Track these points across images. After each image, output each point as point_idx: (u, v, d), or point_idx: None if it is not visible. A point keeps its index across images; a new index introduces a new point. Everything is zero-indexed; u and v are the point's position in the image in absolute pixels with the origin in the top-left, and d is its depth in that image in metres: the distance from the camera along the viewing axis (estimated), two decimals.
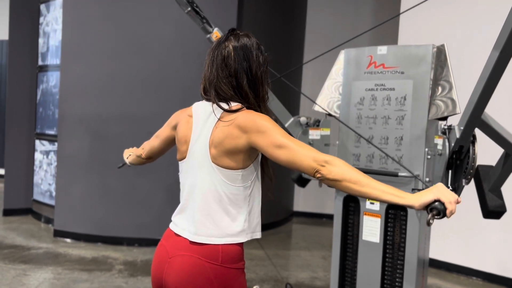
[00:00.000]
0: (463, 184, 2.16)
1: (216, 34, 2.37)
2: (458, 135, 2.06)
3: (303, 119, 2.61)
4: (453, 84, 2.31)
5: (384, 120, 2.47)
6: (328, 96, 2.70)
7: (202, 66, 1.47)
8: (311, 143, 2.62)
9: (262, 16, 5.27)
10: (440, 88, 2.35)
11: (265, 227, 5.57)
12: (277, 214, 5.76)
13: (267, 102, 1.48)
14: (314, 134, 2.63)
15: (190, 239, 1.38)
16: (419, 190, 2.34)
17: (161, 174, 4.51)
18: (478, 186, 2.27)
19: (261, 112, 1.41)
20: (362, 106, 2.54)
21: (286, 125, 2.60)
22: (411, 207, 1.24)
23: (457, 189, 2.20)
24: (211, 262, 1.33)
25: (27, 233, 4.84)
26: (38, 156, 5.43)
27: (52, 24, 5.15)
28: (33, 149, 5.52)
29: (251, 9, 4.99)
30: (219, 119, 1.36)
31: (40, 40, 5.39)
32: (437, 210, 1.22)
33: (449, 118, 2.32)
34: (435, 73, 2.35)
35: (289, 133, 2.00)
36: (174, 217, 1.49)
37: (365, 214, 2.53)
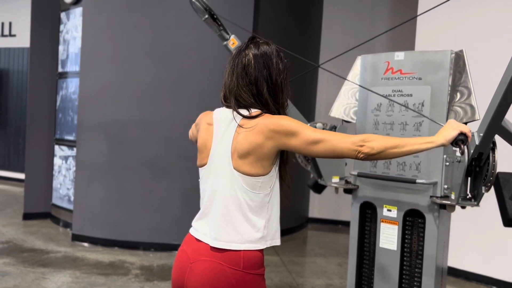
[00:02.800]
0: (483, 191, 2.12)
1: (232, 41, 2.39)
2: (477, 142, 2.03)
3: (319, 125, 2.60)
4: (472, 90, 2.28)
5: (402, 126, 2.45)
6: (344, 102, 2.69)
7: (220, 72, 1.49)
8: None
9: (278, 16, 5.29)
10: (458, 94, 2.32)
11: (280, 233, 5.56)
12: (292, 221, 5.74)
13: (286, 109, 1.48)
14: None
15: (211, 245, 1.39)
16: (437, 197, 2.31)
17: (178, 179, 4.54)
18: (498, 193, 2.23)
19: None
20: (379, 112, 2.52)
21: None
22: (443, 145, 1.49)
23: (476, 196, 2.17)
24: (232, 268, 1.34)
25: (46, 237, 4.92)
26: (57, 161, 5.52)
27: (72, 31, 5.25)
28: (52, 154, 5.62)
29: (267, 9, 5.02)
30: (240, 126, 1.37)
31: (60, 48, 5.50)
32: (461, 140, 1.57)
33: (468, 125, 2.28)
34: (454, 79, 2.33)
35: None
36: (194, 223, 1.50)
37: (382, 221, 2.51)
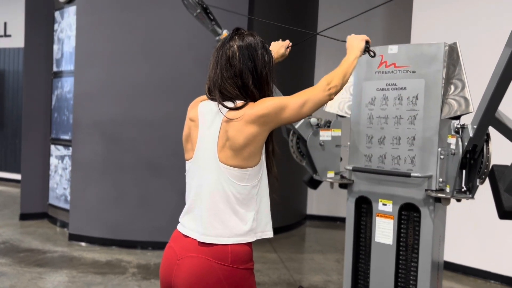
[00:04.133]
0: (477, 184, 2.12)
1: (225, 35, 2.37)
2: (471, 134, 2.02)
3: (313, 120, 2.59)
4: (466, 82, 2.27)
5: (396, 120, 2.43)
6: (339, 97, 2.67)
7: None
8: (322, 144, 2.60)
9: (273, 14, 5.27)
10: (452, 87, 2.31)
11: (278, 230, 5.54)
12: (290, 217, 5.73)
13: None
14: (325, 135, 2.61)
15: (199, 240, 1.37)
16: (432, 190, 2.30)
17: (175, 177, 4.53)
18: (493, 186, 2.22)
19: None
20: (374, 106, 2.51)
21: (296, 127, 2.59)
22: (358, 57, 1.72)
23: (471, 189, 2.16)
24: (220, 263, 1.33)
25: (43, 237, 4.90)
26: (53, 161, 5.50)
27: (66, 30, 5.23)
28: (48, 154, 5.60)
29: (262, 8, 5.00)
30: (227, 118, 1.36)
31: (55, 47, 5.47)
32: (368, 47, 1.87)
33: (462, 117, 2.28)
34: (448, 72, 2.32)
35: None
36: (181, 218, 1.49)
37: (378, 216, 2.50)
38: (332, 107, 2.67)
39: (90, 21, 4.69)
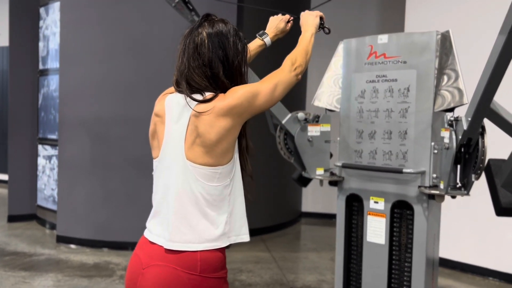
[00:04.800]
0: (473, 179, 2.00)
1: None
2: (465, 127, 1.90)
3: (300, 115, 2.47)
4: (460, 72, 2.15)
5: (387, 113, 2.32)
6: (327, 90, 2.56)
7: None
8: (310, 140, 2.49)
9: (263, 13, 5.13)
10: (445, 78, 2.19)
11: (271, 228, 5.45)
12: (284, 215, 5.62)
13: None
14: (313, 130, 2.50)
15: (165, 247, 1.25)
16: (425, 187, 2.19)
17: None
18: (489, 181, 2.10)
19: None
20: (363, 100, 2.39)
21: (283, 122, 2.47)
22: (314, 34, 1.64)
23: (466, 185, 2.05)
24: (188, 272, 1.21)
25: (30, 239, 4.78)
26: (41, 161, 5.37)
27: (52, 27, 5.09)
28: (36, 154, 5.47)
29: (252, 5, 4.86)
30: (196, 112, 1.24)
31: (40, 44, 5.34)
32: (322, 23, 1.82)
33: (456, 109, 2.16)
34: (440, 62, 2.20)
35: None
36: (148, 223, 1.37)
37: (369, 214, 2.38)
38: (320, 101, 2.55)
39: (75, 17, 4.55)
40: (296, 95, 5.53)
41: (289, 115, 2.49)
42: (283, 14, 1.95)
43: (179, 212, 1.25)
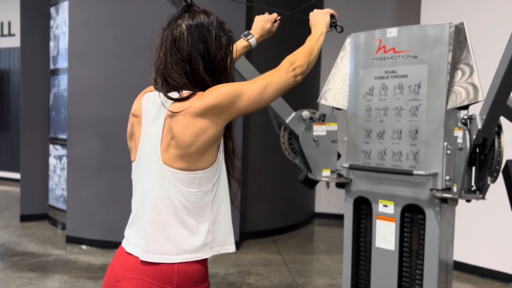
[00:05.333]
0: (488, 182, 1.86)
1: None
2: (480, 126, 1.76)
3: (305, 114, 2.36)
4: (475, 67, 2.01)
5: (397, 111, 2.18)
6: (334, 88, 2.43)
7: None
8: (316, 140, 2.37)
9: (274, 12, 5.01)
10: (459, 73, 2.05)
11: (283, 230, 5.33)
12: (296, 216, 5.50)
13: None
14: (319, 130, 2.38)
15: (141, 258, 1.15)
16: (437, 190, 2.05)
17: None
18: (507, 183, 1.96)
19: None
20: (372, 97, 2.26)
21: (287, 121, 2.36)
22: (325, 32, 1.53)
23: (481, 188, 1.90)
24: (164, 286, 1.11)
25: (41, 239, 4.77)
26: (52, 161, 5.37)
27: (62, 26, 5.07)
28: (47, 154, 5.47)
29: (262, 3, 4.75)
30: (170, 112, 1.14)
31: (51, 44, 5.33)
32: (334, 22, 1.69)
33: (471, 107, 2.01)
34: (454, 56, 2.06)
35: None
36: (126, 231, 1.27)
37: (378, 218, 2.25)
38: (327, 99, 2.43)
39: (83, 16, 4.52)
40: (309, 94, 5.40)
41: (294, 114, 2.38)
42: (270, 13, 1.83)
43: (156, 221, 1.15)
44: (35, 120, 5.50)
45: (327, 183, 2.44)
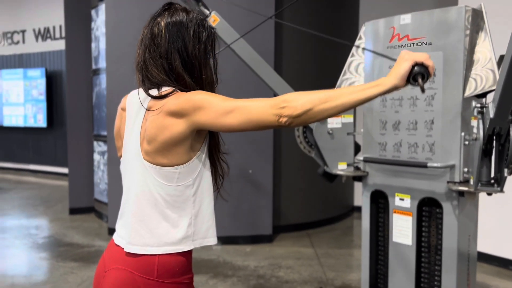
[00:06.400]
0: (505, 174, 1.75)
1: (213, 17, 2.17)
2: (492, 115, 1.66)
3: None
4: (494, 53, 1.89)
5: (412, 101, 2.10)
6: (349, 78, 2.38)
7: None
8: (331, 132, 2.33)
9: (305, 6, 4.94)
10: (477, 59, 1.94)
11: (319, 223, 5.27)
12: (332, 210, 5.43)
13: (215, 86, 1.26)
14: (334, 122, 2.33)
15: (125, 250, 1.20)
16: (454, 183, 1.96)
17: None
18: None
19: None
20: None
21: None
22: (396, 88, 1.10)
23: (499, 180, 1.79)
24: (144, 277, 1.14)
25: (86, 231, 5.03)
26: (96, 156, 5.64)
27: (101, 28, 5.29)
28: (92, 150, 5.75)
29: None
30: (147, 109, 1.17)
31: (93, 45, 5.57)
32: (421, 74, 1.12)
33: (488, 96, 1.90)
34: (471, 41, 1.95)
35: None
36: (116, 224, 1.33)
37: (395, 212, 2.19)
38: None
39: (119, 17, 4.68)
40: (325, 85, 5.28)
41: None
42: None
43: (138, 214, 1.20)
44: (81, 118, 5.79)
45: (343, 177, 2.39)
